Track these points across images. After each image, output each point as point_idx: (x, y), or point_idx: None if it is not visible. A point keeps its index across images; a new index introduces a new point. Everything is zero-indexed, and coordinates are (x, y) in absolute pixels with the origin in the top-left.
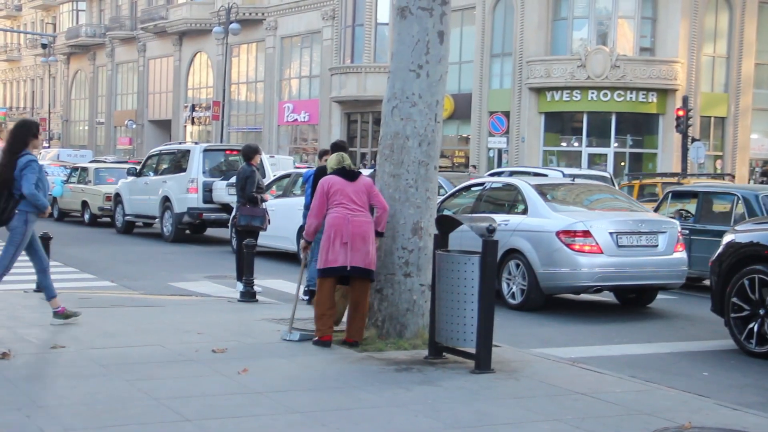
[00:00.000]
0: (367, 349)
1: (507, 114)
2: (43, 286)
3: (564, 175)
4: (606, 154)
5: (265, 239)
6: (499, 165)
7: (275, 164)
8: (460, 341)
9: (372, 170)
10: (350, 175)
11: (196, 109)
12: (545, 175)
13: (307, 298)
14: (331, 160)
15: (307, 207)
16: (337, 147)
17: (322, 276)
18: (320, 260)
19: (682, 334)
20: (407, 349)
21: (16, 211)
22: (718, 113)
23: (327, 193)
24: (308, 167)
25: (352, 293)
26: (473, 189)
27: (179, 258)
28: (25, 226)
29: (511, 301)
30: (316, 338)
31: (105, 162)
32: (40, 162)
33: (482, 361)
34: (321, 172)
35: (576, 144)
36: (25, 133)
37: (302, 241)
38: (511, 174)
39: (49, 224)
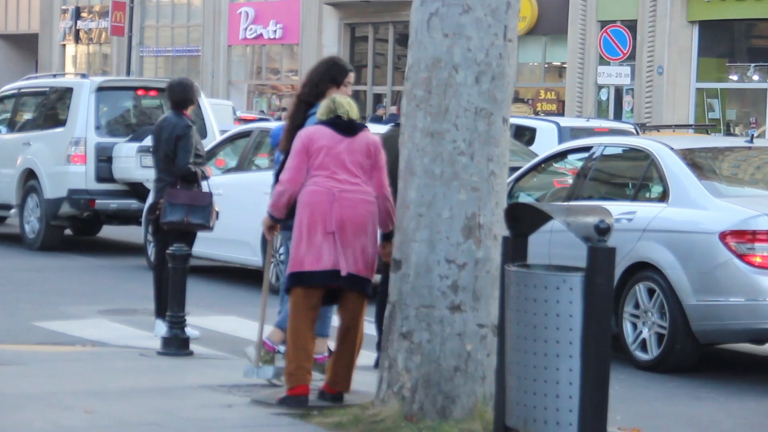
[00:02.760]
0: None
1: (631, 26)
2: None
3: (560, 129)
4: None
5: (207, 245)
6: (618, 115)
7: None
8: (550, 425)
9: (393, 125)
10: (346, 127)
11: (83, 15)
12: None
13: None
14: (320, 109)
15: None
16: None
17: (294, 285)
18: (290, 260)
19: None
20: None
21: None
22: None
23: (307, 150)
24: (270, 117)
25: (340, 316)
26: (571, 158)
27: (54, 279)
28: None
29: (640, 354)
30: (285, 394)
31: None
32: None
33: None
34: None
35: (756, 77)
36: (322, 76)
37: (265, 218)
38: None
39: None
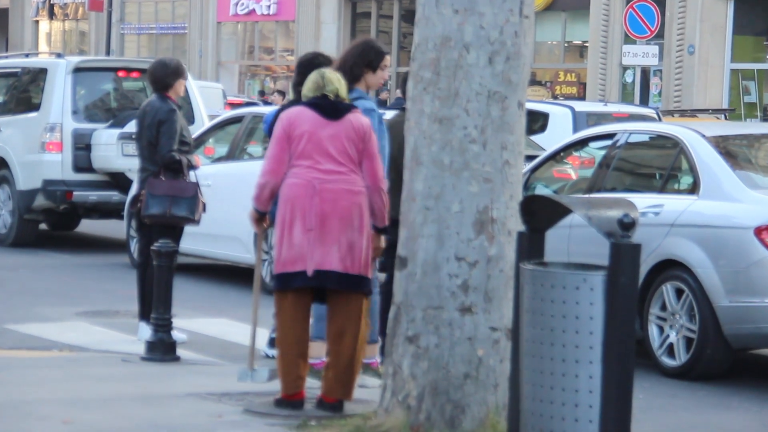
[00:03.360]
0: None
1: (660, 0)
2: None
3: (575, 115)
4: None
5: (195, 241)
6: (645, 99)
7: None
8: None
9: (398, 110)
10: (331, 109)
11: None
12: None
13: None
14: (306, 83)
15: None
16: (312, 65)
17: (278, 288)
18: (274, 261)
19: None
20: None
21: None
22: None
23: (288, 136)
24: (260, 101)
25: (328, 318)
26: (592, 145)
27: (28, 278)
28: None
29: (666, 360)
30: (280, 396)
31: None
32: None
33: None
34: None
35: None
36: (356, 60)
37: (250, 212)
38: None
39: None
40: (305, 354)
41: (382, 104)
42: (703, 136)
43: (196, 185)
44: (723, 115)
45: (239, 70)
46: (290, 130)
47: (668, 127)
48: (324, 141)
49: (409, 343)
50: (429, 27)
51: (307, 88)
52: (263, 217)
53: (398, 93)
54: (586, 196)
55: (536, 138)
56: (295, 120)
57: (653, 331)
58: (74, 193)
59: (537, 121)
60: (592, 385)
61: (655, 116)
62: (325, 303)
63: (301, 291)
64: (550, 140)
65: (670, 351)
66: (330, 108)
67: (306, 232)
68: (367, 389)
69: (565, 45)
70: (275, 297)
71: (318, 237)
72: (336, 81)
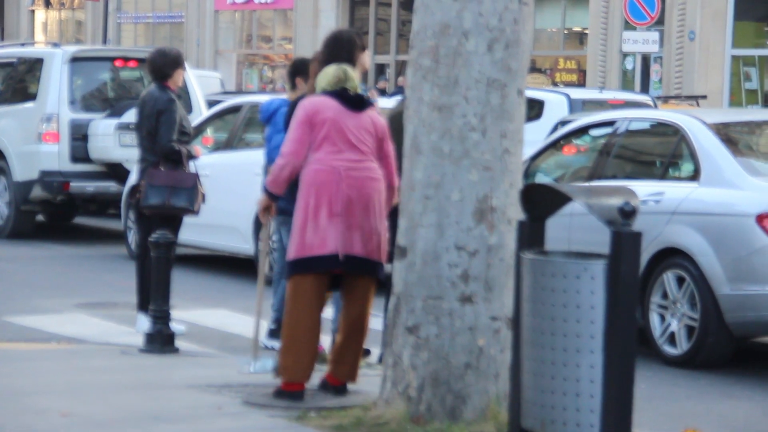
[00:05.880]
0: None
1: None
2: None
3: (570, 102)
4: None
5: (194, 232)
6: (646, 86)
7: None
8: (569, 427)
9: (399, 98)
10: (354, 101)
11: None
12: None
13: (273, 345)
14: (325, 76)
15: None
16: (339, 44)
17: (296, 272)
18: (293, 245)
19: None
20: None
21: None
22: None
23: (310, 121)
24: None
25: (346, 303)
26: (593, 133)
27: (26, 270)
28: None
29: (668, 349)
30: (279, 388)
31: None
32: None
33: None
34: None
35: None
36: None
37: (261, 199)
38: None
39: None
40: (317, 341)
41: (381, 93)
42: (704, 123)
43: (196, 176)
44: (695, 102)
45: (237, 59)
46: (313, 116)
47: (669, 114)
48: (345, 130)
49: (409, 333)
50: (428, 14)
51: (327, 82)
52: (272, 204)
53: (400, 81)
54: (587, 184)
55: (531, 125)
56: (318, 106)
57: (654, 319)
58: (71, 183)
59: (532, 109)
60: (594, 375)
61: (651, 103)
62: (339, 290)
63: (321, 276)
64: (545, 128)
65: (672, 339)
66: (353, 100)
67: (332, 217)
68: (367, 377)
69: (565, 32)
70: (291, 282)
71: (343, 222)
72: (355, 79)
